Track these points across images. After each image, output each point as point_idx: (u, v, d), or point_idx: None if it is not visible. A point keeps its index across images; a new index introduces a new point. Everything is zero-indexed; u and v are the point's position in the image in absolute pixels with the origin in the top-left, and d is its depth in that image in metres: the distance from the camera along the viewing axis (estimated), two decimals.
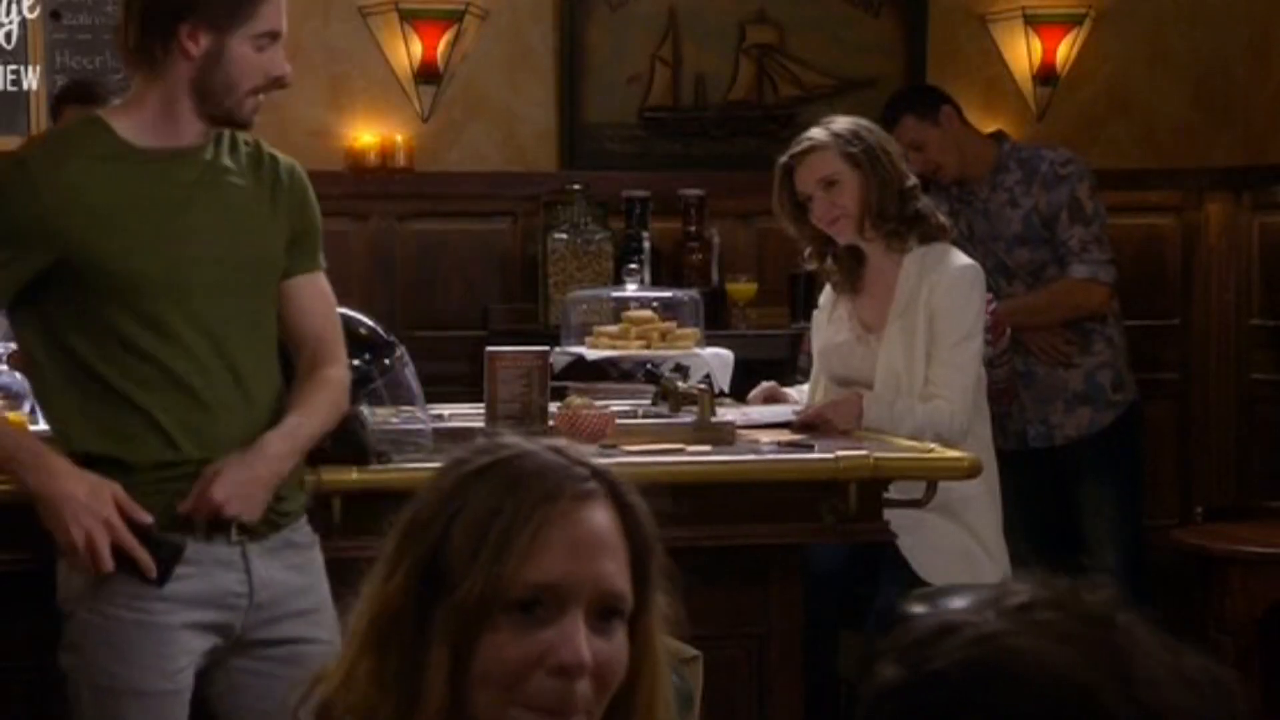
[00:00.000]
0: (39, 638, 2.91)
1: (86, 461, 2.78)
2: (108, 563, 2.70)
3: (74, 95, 4.86)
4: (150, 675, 2.77)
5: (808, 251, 4.12)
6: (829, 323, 4.13)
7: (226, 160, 2.90)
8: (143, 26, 2.82)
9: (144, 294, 2.79)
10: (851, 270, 4.05)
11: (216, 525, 2.79)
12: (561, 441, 1.68)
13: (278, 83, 2.90)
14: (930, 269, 3.93)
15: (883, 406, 3.82)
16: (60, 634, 2.83)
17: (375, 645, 1.56)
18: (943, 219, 4.06)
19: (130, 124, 2.85)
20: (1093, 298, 5.01)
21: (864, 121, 4.07)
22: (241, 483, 2.78)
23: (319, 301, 3.01)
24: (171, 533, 2.77)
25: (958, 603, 1.14)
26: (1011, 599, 1.10)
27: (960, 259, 3.99)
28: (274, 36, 2.86)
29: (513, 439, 1.64)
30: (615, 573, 1.56)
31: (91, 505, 2.69)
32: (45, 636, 2.87)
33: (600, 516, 1.57)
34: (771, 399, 4.12)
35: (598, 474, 1.60)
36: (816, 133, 4.00)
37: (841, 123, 4.02)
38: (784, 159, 4.02)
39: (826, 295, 4.18)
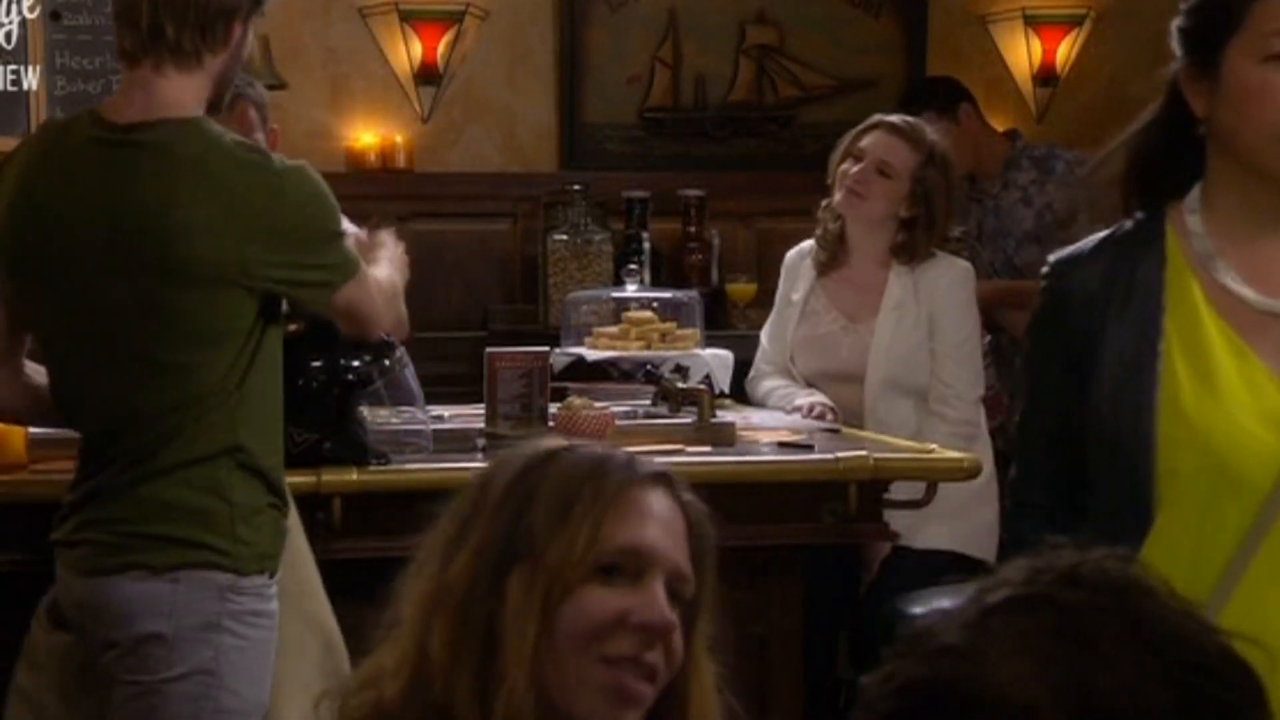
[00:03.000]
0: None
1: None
2: None
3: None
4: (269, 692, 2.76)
5: (826, 206, 4.05)
6: (805, 316, 4.07)
7: None
8: (202, 27, 2.73)
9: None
10: (835, 251, 4.04)
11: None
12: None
13: None
14: (926, 267, 3.94)
15: None
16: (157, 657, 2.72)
17: (446, 626, 1.58)
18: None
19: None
20: None
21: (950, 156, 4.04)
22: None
23: None
24: None
25: (948, 601, 1.12)
26: (992, 595, 1.08)
27: (952, 258, 4.00)
28: None
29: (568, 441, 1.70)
30: (685, 558, 1.63)
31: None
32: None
33: (670, 503, 1.65)
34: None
35: (658, 472, 1.68)
36: (922, 132, 3.98)
37: (943, 146, 4.00)
38: (889, 117, 4.01)
39: (794, 258, 4.15)
